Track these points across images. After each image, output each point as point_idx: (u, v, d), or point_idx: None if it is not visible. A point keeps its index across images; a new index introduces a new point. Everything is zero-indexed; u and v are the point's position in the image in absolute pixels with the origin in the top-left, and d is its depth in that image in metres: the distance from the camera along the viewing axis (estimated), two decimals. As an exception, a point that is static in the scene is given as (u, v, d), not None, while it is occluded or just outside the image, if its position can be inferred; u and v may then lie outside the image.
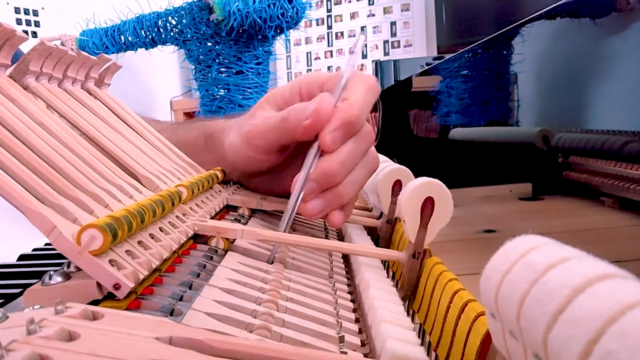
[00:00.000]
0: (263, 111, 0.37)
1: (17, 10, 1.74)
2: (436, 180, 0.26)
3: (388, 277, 0.28)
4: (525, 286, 0.11)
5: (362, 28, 2.45)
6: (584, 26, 0.63)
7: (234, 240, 0.29)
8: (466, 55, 0.95)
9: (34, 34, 1.78)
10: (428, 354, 0.20)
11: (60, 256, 0.18)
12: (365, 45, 2.43)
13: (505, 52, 0.87)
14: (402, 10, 2.38)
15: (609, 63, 0.60)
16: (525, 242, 0.13)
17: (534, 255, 0.12)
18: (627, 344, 0.08)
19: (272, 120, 0.34)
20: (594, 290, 0.10)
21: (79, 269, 0.19)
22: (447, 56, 1.08)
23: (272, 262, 0.28)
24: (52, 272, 0.19)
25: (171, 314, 0.18)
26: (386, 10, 2.41)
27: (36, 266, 0.41)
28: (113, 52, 1.74)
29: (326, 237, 0.37)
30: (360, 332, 0.22)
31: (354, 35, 2.46)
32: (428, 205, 0.25)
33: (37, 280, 0.19)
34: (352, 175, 0.32)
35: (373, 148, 0.34)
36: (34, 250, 0.47)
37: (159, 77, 2.32)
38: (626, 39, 0.57)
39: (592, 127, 0.66)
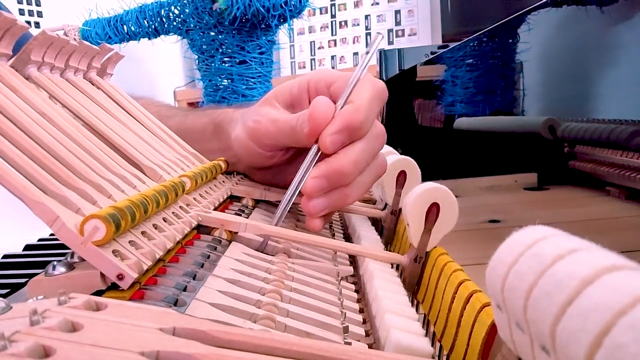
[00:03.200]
0: (271, 109, 0.36)
1: (19, 0, 1.74)
2: (442, 186, 0.26)
3: (392, 267, 0.28)
4: (533, 277, 0.11)
5: (366, 17, 2.43)
6: (591, 14, 0.62)
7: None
8: (471, 44, 0.94)
9: (37, 24, 1.77)
10: (432, 344, 0.20)
11: (65, 246, 0.18)
12: (369, 34, 2.41)
13: (510, 40, 0.86)
14: (406, -1, 2.36)
15: (616, 52, 0.60)
16: (532, 233, 0.12)
17: (542, 246, 0.12)
18: (637, 337, 0.08)
19: (281, 125, 0.34)
20: (603, 281, 0.09)
21: (82, 260, 0.19)
22: (452, 45, 1.07)
23: (262, 251, 0.28)
24: (55, 263, 0.19)
25: (175, 305, 0.18)
26: (390, -1, 2.38)
27: (42, 256, 0.41)
28: (116, 42, 1.73)
29: (330, 227, 0.37)
30: (364, 322, 0.22)
31: (358, 24, 2.44)
32: (433, 211, 0.25)
33: (43, 270, 0.19)
34: (360, 177, 0.31)
35: (382, 153, 0.34)
36: (40, 240, 0.47)
37: (162, 67, 2.31)
38: (634, 27, 0.57)
39: (599, 117, 0.65)
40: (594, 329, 0.09)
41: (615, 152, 0.64)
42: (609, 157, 0.66)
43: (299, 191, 0.30)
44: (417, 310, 0.25)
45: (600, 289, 0.09)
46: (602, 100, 0.65)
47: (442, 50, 1.15)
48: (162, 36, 1.76)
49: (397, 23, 2.39)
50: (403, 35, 2.38)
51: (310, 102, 0.36)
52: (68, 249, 0.19)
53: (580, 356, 0.09)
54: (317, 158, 0.31)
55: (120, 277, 0.18)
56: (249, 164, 0.40)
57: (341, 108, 0.30)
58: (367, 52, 0.32)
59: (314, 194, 0.30)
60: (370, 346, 0.20)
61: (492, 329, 0.16)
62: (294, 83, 0.37)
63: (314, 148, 0.31)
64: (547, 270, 0.11)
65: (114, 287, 0.19)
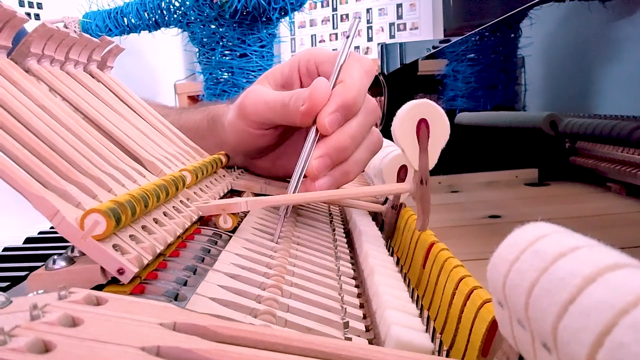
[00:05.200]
0: (261, 87, 0.37)
1: (19, -8, 1.73)
2: (425, 100, 0.24)
3: (392, 258, 0.28)
4: (535, 275, 0.11)
5: (368, 10, 2.42)
6: (594, 9, 0.62)
7: (241, 221, 0.29)
8: (473, 39, 0.94)
9: (37, 17, 1.76)
10: (433, 340, 0.20)
11: (66, 239, 0.18)
12: (370, 28, 2.40)
13: (512, 35, 0.85)
14: (408, -8, 2.34)
15: (619, 47, 0.59)
16: (534, 229, 0.12)
17: (543, 243, 0.12)
18: (639, 336, 0.08)
19: (270, 102, 0.35)
20: (606, 280, 0.09)
21: (83, 254, 0.19)
22: (454, 39, 1.06)
23: (277, 242, 0.28)
24: (56, 257, 0.19)
25: (175, 299, 0.18)
26: (392, -8, 2.37)
27: (42, 249, 0.41)
28: (116, 35, 1.73)
29: (331, 223, 0.37)
30: (364, 317, 0.22)
31: (360, 18, 2.43)
32: (423, 127, 0.24)
33: (43, 264, 0.19)
34: (357, 153, 0.33)
35: (376, 129, 0.35)
36: (40, 233, 0.47)
37: (163, 60, 2.30)
38: (637, 23, 0.56)
39: (600, 112, 0.65)
40: (596, 328, 0.09)
41: (616, 148, 0.64)
42: (610, 153, 0.66)
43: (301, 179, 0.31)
44: (417, 305, 0.25)
45: (602, 288, 0.09)
46: (604, 96, 0.65)
47: (443, 45, 1.15)
48: (163, 29, 1.75)
49: (399, 17, 2.37)
50: (405, 29, 2.37)
51: (300, 82, 0.37)
52: (69, 242, 0.19)
53: (582, 355, 0.09)
54: (316, 141, 0.32)
55: (121, 271, 0.18)
56: (243, 151, 0.40)
57: (332, 89, 0.31)
58: (348, 37, 0.33)
59: (320, 174, 0.31)
60: (370, 342, 0.20)
61: (493, 325, 0.16)
62: (285, 64, 0.38)
63: (313, 130, 0.32)
64: (548, 268, 0.11)
65: (114, 281, 0.19)
